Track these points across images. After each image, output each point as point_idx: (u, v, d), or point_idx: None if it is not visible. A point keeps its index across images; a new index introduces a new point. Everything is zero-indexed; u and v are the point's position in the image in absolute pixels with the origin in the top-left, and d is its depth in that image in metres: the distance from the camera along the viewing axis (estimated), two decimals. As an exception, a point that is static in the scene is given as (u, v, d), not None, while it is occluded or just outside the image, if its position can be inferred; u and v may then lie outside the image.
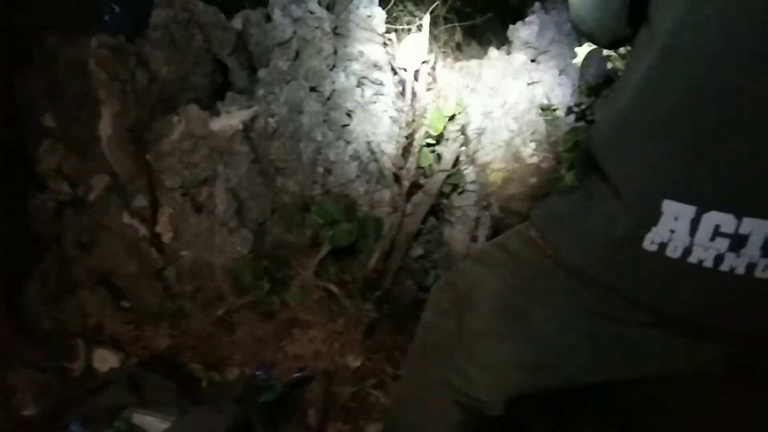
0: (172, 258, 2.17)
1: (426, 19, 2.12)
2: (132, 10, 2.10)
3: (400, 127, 2.12)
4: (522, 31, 3.97)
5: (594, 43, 1.19)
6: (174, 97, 2.27)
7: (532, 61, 3.92)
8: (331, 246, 2.00)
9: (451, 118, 2.08)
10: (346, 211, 2.09)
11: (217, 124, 2.05)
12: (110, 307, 2.17)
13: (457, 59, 3.53)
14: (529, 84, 3.87)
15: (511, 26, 3.97)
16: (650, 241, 0.91)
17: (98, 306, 2.16)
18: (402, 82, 2.18)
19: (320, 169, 2.23)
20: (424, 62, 2.13)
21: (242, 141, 2.08)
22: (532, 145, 3.67)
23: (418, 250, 2.20)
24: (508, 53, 4.00)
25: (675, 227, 0.88)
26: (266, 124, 2.11)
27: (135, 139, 2.19)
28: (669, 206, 0.88)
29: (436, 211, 2.20)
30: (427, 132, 2.03)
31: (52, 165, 2.18)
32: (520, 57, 3.95)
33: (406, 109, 2.01)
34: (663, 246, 0.90)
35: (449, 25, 3.56)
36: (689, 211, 0.87)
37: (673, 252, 0.89)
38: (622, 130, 0.99)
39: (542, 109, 3.78)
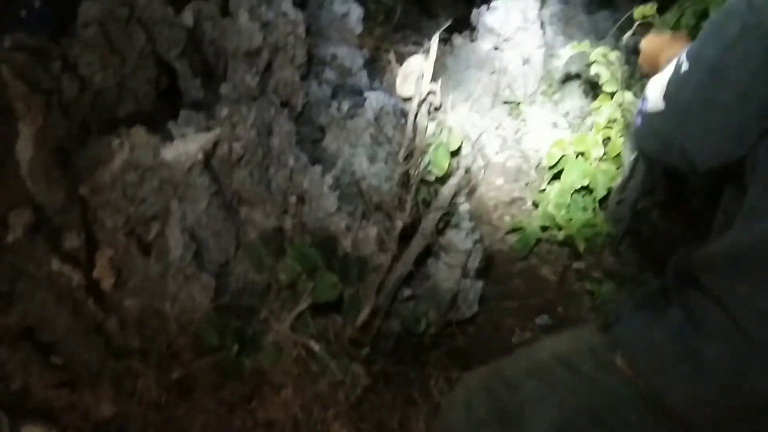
0: (114, 308, 1.81)
1: (435, 41, 1.81)
2: (56, 4, 1.66)
3: (389, 154, 1.83)
4: (487, 17, 3.71)
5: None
6: (111, 108, 1.87)
7: (495, 48, 3.68)
8: (312, 300, 1.72)
9: (455, 152, 1.82)
10: (327, 253, 1.80)
11: (171, 152, 1.68)
12: (37, 367, 1.80)
13: (417, 43, 3.24)
14: (491, 73, 3.64)
15: (475, 10, 3.71)
16: None
17: (22, 365, 1.79)
18: (403, 112, 1.88)
19: (292, 198, 1.92)
20: (430, 92, 1.83)
21: (201, 172, 1.73)
22: (497, 141, 3.46)
23: (406, 291, 1.96)
24: (472, 40, 3.74)
25: None
26: (230, 150, 1.76)
27: (63, 162, 1.79)
28: None
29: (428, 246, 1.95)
30: (428, 168, 1.76)
31: (-44, 195, 1.75)
32: (484, 45, 3.71)
33: (405, 143, 1.73)
34: None
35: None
36: None
37: None
38: (750, 260, 0.82)
39: (504, 103, 3.57)
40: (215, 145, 1.74)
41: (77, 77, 1.78)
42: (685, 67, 0.87)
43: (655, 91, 0.92)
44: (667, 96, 0.89)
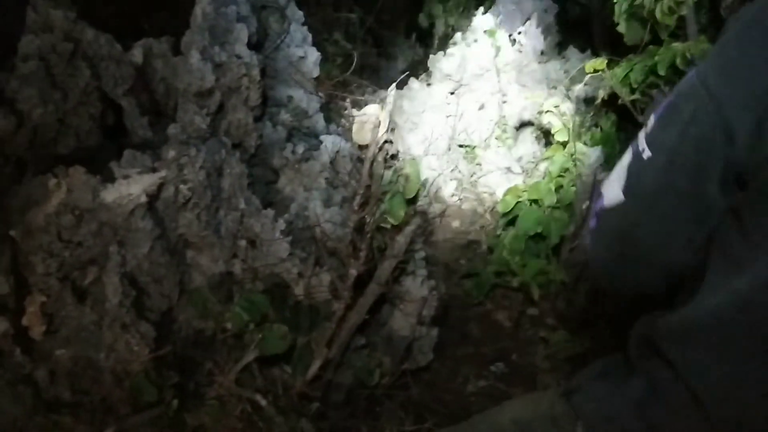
0: (43, 358, 1.68)
1: (392, 91, 1.80)
2: (-6, 37, 1.58)
3: (344, 198, 1.79)
4: (443, 63, 3.76)
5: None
6: (50, 145, 1.77)
7: (451, 93, 3.72)
8: (259, 352, 1.63)
9: (413, 200, 1.78)
10: (277, 300, 1.73)
11: (112, 194, 1.59)
12: (-46, 424, 1.64)
13: (374, 88, 3.25)
14: (448, 116, 3.66)
15: (432, 56, 3.76)
16: None
17: (-64, 422, 1.63)
18: (359, 158, 1.84)
19: (242, 242, 1.84)
20: (386, 141, 1.81)
21: (144, 215, 1.64)
22: (453, 184, 3.46)
23: (359, 340, 1.89)
24: (429, 84, 3.77)
25: None
26: (177, 192, 1.68)
27: (-6, 202, 1.67)
28: None
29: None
30: (384, 216, 1.72)
31: None
32: (440, 89, 3.74)
33: (361, 191, 1.68)
34: None
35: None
36: None
37: None
38: (703, 334, 0.79)
39: (460, 146, 3.59)
40: (160, 186, 1.66)
41: (14, 113, 1.68)
42: (647, 153, 0.80)
43: (613, 183, 0.85)
44: (627, 186, 0.82)
